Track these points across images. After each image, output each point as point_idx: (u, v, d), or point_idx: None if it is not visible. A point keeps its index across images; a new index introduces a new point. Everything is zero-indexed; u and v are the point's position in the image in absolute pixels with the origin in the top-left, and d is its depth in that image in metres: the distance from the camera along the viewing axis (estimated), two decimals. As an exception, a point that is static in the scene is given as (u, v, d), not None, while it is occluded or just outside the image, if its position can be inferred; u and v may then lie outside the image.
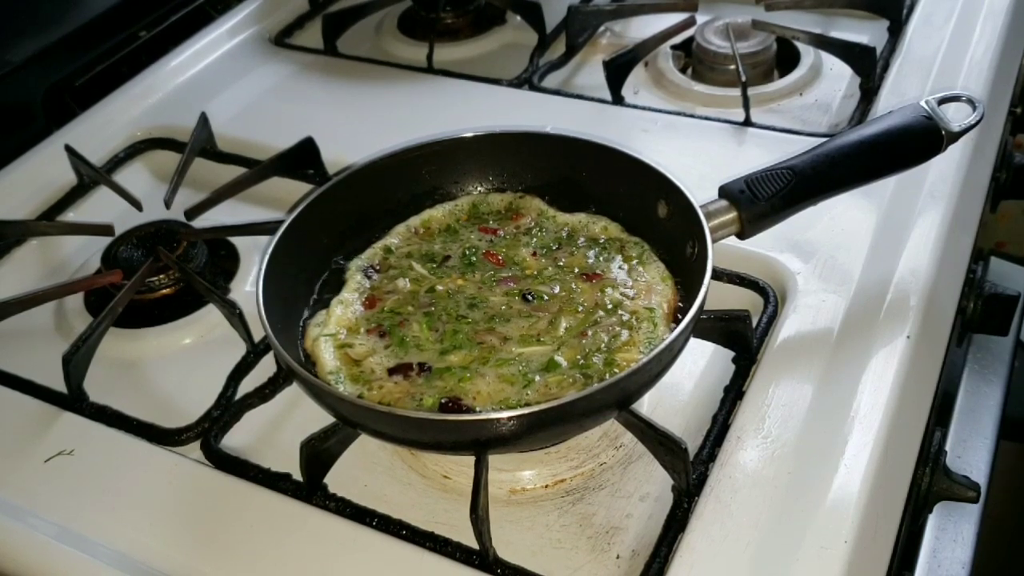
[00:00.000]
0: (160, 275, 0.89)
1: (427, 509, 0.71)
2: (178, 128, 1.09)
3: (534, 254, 0.80)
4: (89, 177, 1.05)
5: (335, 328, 0.75)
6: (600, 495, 0.71)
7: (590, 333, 0.72)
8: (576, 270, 0.78)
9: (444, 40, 1.23)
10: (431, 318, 0.75)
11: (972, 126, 0.78)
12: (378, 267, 0.80)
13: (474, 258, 0.80)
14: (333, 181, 0.82)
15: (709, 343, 0.78)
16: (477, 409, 0.68)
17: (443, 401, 0.68)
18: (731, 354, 0.78)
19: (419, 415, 0.66)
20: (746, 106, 1.02)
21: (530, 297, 0.76)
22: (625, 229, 0.81)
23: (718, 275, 0.83)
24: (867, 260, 0.83)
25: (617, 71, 1.08)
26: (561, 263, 0.79)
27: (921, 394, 0.78)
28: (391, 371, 0.71)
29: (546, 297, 0.76)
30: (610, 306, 0.74)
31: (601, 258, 0.79)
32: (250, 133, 1.08)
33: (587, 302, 0.75)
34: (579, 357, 0.70)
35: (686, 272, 0.74)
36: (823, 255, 0.84)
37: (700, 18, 1.16)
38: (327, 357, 0.72)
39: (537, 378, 0.69)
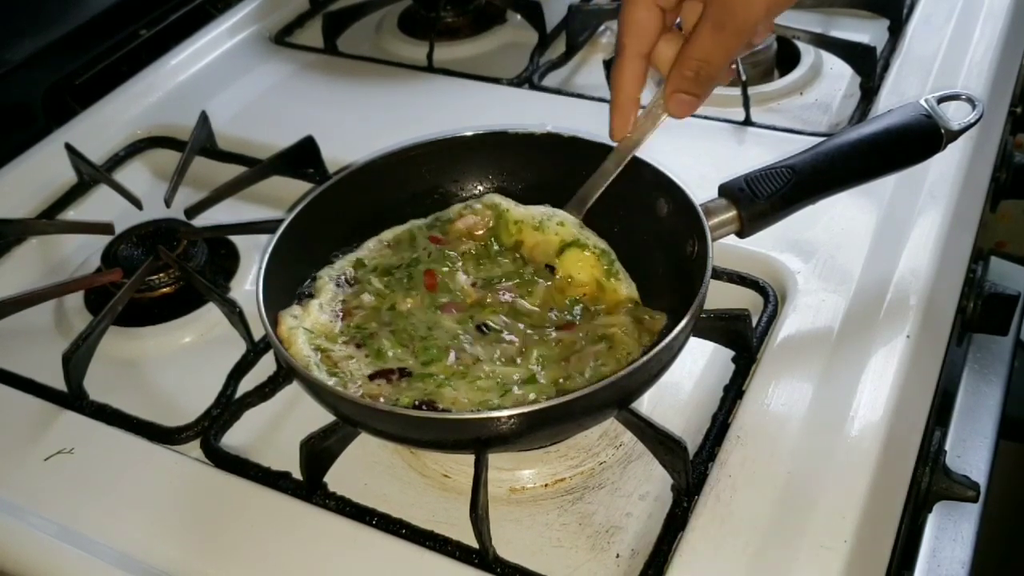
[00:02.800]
0: (160, 274, 0.89)
1: (427, 508, 0.71)
2: (178, 127, 1.09)
3: (473, 284, 0.77)
4: (89, 176, 1.05)
5: (311, 324, 0.73)
6: (600, 494, 0.71)
7: (573, 360, 0.70)
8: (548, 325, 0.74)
9: (444, 39, 1.23)
10: (395, 335, 0.73)
11: (971, 125, 0.78)
12: (350, 280, 0.78)
13: (413, 272, 0.78)
14: (333, 180, 0.81)
15: (709, 342, 0.78)
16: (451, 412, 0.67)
17: (416, 403, 0.67)
18: (731, 353, 0.78)
19: (420, 414, 0.66)
20: (746, 105, 1.02)
21: (485, 329, 0.73)
22: (582, 225, 0.78)
23: (718, 274, 0.83)
24: (867, 260, 0.83)
25: (617, 70, 1.08)
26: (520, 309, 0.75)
27: (921, 394, 0.78)
28: (372, 376, 0.70)
29: (506, 334, 0.73)
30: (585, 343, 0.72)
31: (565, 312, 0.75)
32: (250, 132, 1.08)
33: (564, 342, 0.72)
34: (561, 379, 0.69)
35: (686, 271, 0.73)
36: (823, 255, 0.84)
37: (700, 17, 1.16)
38: (304, 347, 0.71)
39: (515, 389, 0.68)
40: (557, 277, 0.77)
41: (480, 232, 0.81)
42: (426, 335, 0.73)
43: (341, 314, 0.75)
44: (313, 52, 1.23)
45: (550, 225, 0.79)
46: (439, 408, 0.67)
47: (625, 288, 0.76)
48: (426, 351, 0.71)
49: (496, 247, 0.80)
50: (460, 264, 0.79)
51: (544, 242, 0.79)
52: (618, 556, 0.67)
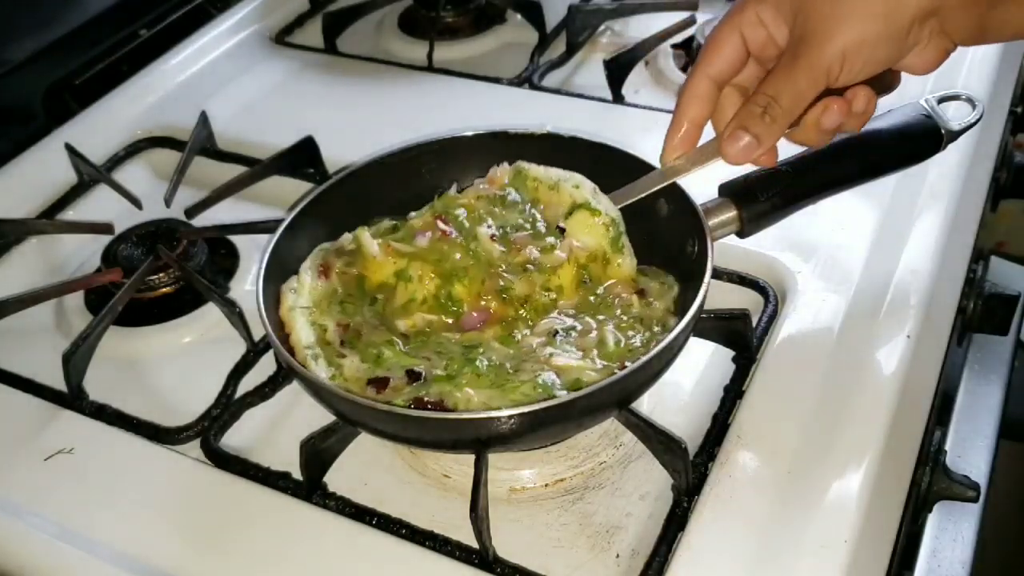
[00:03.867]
0: (160, 273, 0.89)
1: (427, 508, 0.71)
2: (178, 127, 1.09)
3: (492, 236, 0.75)
4: (89, 175, 1.05)
5: (307, 295, 0.73)
6: (600, 494, 0.71)
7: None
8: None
9: (444, 39, 1.23)
10: (383, 345, 0.70)
11: (971, 125, 0.78)
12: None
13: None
14: (333, 180, 0.81)
15: (709, 342, 0.78)
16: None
17: (421, 399, 0.66)
18: (731, 353, 0.78)
19: (420, 414, 0.65)
20: (746, 105, 1.02)
21: (562, 333, 0.70)
22: (596, 190, 0.77)
23: (718, 274, 0.83)
24: (867, 260, 0.83)
25: (618, 70, 1.08)
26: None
27: (921, 394, 0.78)
28: (370, 382, 0.68)
29: (576, 330, 0.70)
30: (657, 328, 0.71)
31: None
32: (250, 132, 1.08)
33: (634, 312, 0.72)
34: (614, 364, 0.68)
35: (686, 271, 0.74)
36: (823, 255, 0.84)
37: (700, 17, 1.16)
38: (304, 333, 0.70)
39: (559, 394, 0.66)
40: (564, 239, 0.76)
41: (497, 182, 0.80)
42: (458, 355, 0.69)
43: (321, 271, 0.75)
44: (313, 52, 1.23)
45: (565, 187, 0.78)
46: (447, 408, 0.66)
47: (628, 263, 0.76)
48: (471, 363, 0.68)
49: (513, 195, 0.78)
50: (477, 210, 0.77)
51: (558, 202, 0.78)
52: (618, 556, 0.67)
